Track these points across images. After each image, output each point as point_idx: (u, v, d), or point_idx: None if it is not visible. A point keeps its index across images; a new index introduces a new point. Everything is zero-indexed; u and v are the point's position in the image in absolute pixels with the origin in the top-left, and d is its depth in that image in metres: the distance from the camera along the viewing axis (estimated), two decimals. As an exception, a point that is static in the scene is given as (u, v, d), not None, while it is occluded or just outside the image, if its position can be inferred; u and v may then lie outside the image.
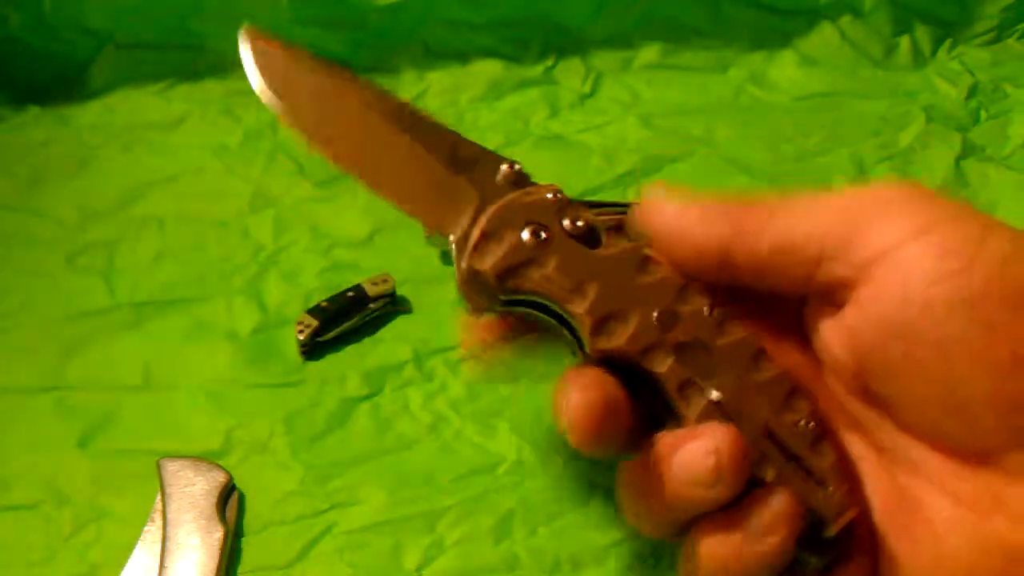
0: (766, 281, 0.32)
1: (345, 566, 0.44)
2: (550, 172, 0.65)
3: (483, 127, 0.70)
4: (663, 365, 0.32)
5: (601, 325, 0.32)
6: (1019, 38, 0.77)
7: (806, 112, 0.71)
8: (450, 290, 0.56)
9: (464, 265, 0.33)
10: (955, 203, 0.30)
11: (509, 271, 0.33)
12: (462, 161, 0.35)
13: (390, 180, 0.36)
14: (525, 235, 0.33)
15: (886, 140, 0.68)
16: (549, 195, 0.34)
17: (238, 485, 0.46)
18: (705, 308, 0.33)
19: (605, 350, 0.32)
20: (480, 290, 0.33)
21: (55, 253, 0.59)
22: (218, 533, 0.43)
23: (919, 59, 0.76)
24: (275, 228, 0.61)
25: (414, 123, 0.36)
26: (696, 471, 0.30)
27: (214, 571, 0.42)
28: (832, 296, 0.32)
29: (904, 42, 0.76)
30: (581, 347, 0.33)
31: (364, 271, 0.56)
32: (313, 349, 0.52)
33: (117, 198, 0.63)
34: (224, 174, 0.66)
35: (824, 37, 0.76)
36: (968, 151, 0.67)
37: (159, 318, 0.55)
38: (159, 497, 0.45)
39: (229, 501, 0.45)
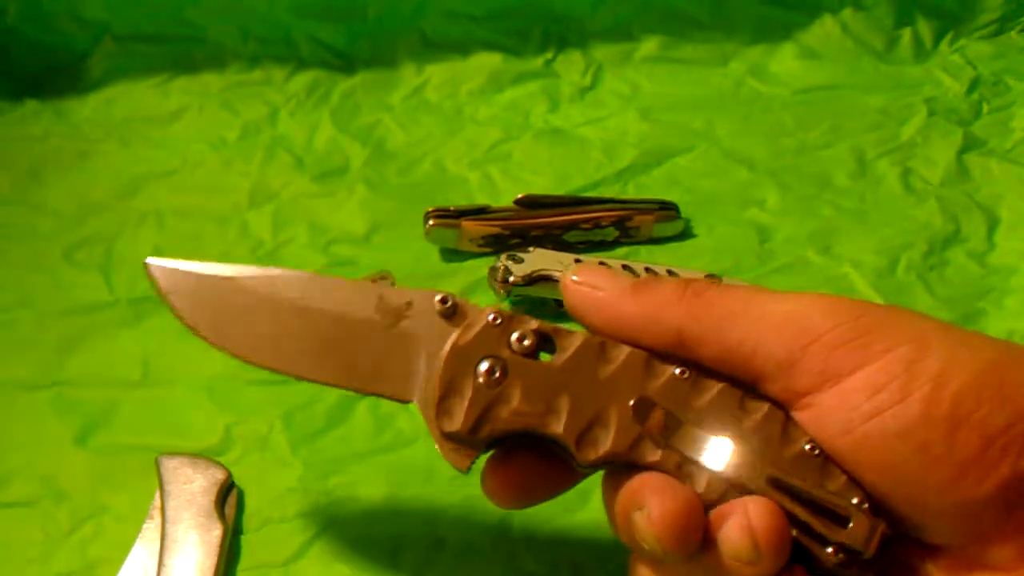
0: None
1: (344, 564, 0.44)
2: (550, 167, 0.65)
3: (482, 120, 0.70)
4: (654, 455, 0.32)
5: (583, 437, 0.32)
6: (1021, 31, 0.77)
7: (807, 105, 0.71)
8: (449, 287, 0.56)
9: (435, 431, 0.33)
10: (889, 320, 0.31)
11: (478, 422, 0.32)
12: (393, 311, 0.35)
13: (335, 366, 0.35)
14: (480, 379, 0.33)
15: (887, 133, 0.68)
16: (490, 318, 0.33)
17: (237, 482, 0.46)
18: (676, 371, 0.32)
19: (594, 461, 0.32)
20: (460, 447, 0.33)
21: (53, 247, 0.59)
22: (217, 530, 0.43)
23: (921, 52, 0.76)
24: (274, 223, 0.61)
25: (332, 293, 0.35)
26: (736, 547, 0.30)
27: (213, 568, 0.42)
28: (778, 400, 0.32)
29: (906, 35, 0.76)
30: (574, 458, 0.33)
31: (363, 267, 0.56)
32: (312, 345, 0.52)
33: (115, 192, 0.63)
34: (222, 168, 0.65)
35: (825, 30, 0.76)
36: (970, 144, 0.67)
37: (158, 313, 0.55)
38: (158, 494, 0.44)
39: (228, 498, 0.45)
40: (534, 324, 0.33)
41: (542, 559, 0.44)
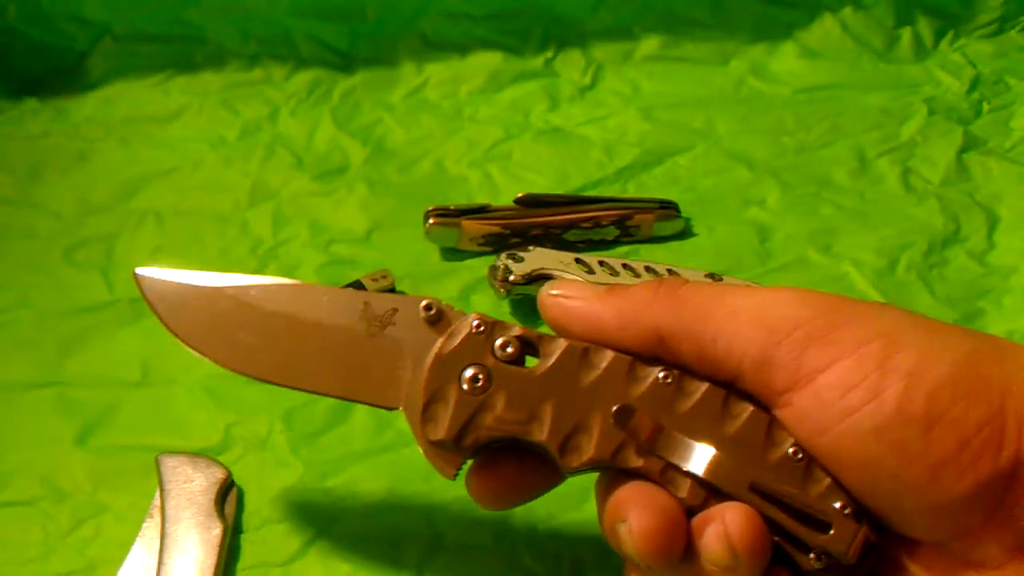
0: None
1: (344, 563, 0.44)
2: (550, 166, 0.65)
3: (482, 120, 0.70)
4: (637, 460, 0.32)
5: (565, 444, 0.32)
6: (1021, 30, 0.77)
7: (807, 104, 0.71)
8: (449, 286, 0.56)
9: (421, 440, 0.33)
10: (860, 314, 0.30)
11: (463, 430, 0.33)
12: (378, 319, 0.35)
13: (321, 375, 0.35)
14: (465, 386, 0.33)
15: (887, 133, 0.68)
16: (473, 324, 0.33)
17: (237, 481, 0.46)
18: (659, 375, 0.32)
19: (577, 467, 0.32)
20: (445, 454, 0.33)
21: (53, 247, 0.59)
22: (217, 529, 0.43)
23: (921, 51, 0.76)
24: (274, 222, 0.61)
25: (318, 302, 0.35)
26: (714, 554, 0.30)
27: (213, 568, 0.42)
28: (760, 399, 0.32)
29: (906, 34, 0.76)
30: (557, 464, 0.33)
31: (363, 267, 0.56)
32: (312, 344, 0.52)
33: (115, 192, 0.63)
34: (222, 167, 0.65)
35: (825, 29, 0.76)
36: (970, 144, 0.67)
37: (157, 313, 0.55)
38: (158, 493, 0.44)
39: (228, 497, 0.45)
40: (517, 331, 0.33)
41: (543, 557, 0.44)
